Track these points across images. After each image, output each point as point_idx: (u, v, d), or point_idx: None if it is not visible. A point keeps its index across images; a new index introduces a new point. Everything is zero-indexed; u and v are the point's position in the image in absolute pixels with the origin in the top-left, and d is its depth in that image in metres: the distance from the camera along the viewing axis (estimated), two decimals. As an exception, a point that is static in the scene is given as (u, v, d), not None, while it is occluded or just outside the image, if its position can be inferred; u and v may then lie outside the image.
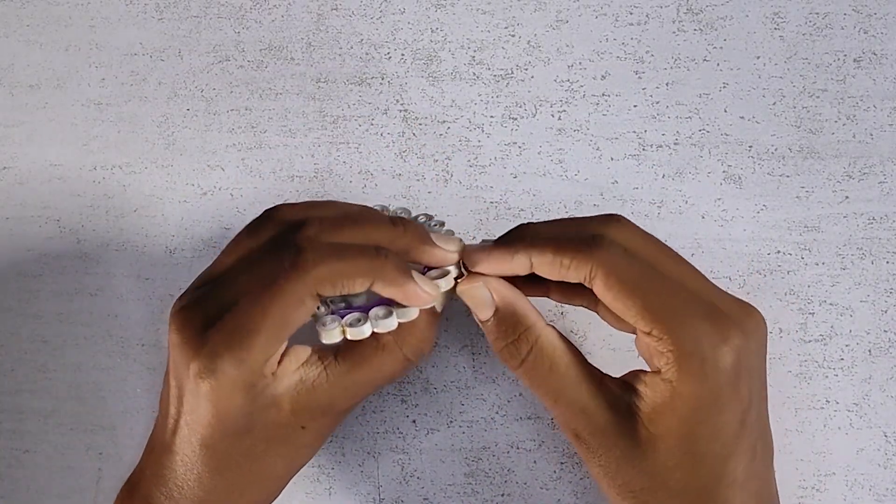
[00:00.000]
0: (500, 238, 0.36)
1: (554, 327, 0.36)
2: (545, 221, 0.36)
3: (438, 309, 0.37)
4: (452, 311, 0.42)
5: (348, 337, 0.35)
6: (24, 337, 0.44)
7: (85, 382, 0.43)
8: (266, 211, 0.36)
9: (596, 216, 0.36)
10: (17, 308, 0.44)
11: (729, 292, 0.35)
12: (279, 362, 0.34)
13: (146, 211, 0.44)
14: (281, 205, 0.36)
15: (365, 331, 0.34)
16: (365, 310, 0.35)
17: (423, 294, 0.35)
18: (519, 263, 0.35)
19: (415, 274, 0.35)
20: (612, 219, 0.35)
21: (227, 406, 0.33)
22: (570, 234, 0.35)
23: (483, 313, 0.36)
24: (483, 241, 0.37)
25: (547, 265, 0.34)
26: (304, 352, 0.35)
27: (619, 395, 0.34)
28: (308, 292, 0.33)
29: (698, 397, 0.32)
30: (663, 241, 0.36)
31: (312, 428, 0.35)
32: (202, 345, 0.32)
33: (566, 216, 0.43)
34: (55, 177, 0.45)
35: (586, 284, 0.34)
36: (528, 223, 0.37)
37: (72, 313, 0.44)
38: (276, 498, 0.37)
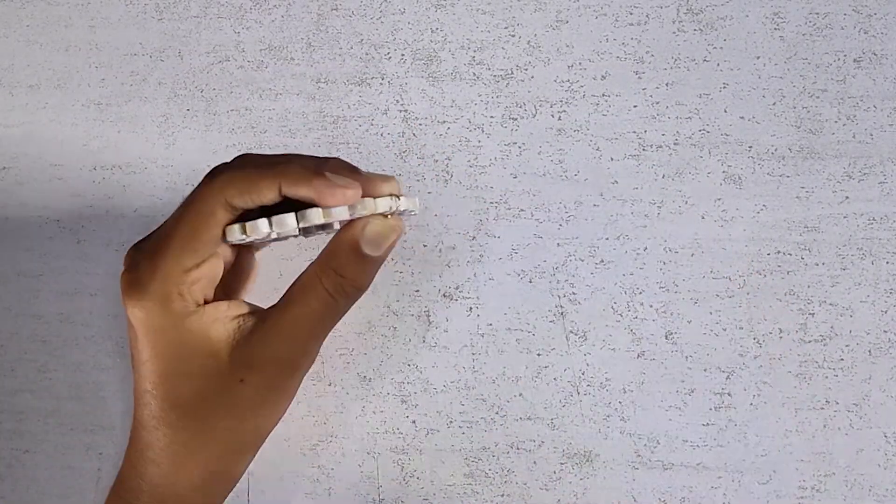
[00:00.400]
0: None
1: None
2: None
3: (366, 250, 0.34)
4: (452, 313, 0.42)
5: (248, 233, 0.34)
6: (24, 337, 0.44)
7: (85, 382, 0.43)
8: None
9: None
10: (17, 308, 0.44)
11: None
12: (217, 303, 0.35)
13: (146, 211, 0.44)
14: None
15: (261, 226, 0.33)
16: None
17: (337, 187, 0.33)
18: None
19: (328, 173, 0.33)
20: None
21: (155, 327, 0.34)
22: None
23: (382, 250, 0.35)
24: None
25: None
26: (243, 306, 0.36)
27: None
28: (217, 201, 0.34)
29: None
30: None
31: (252, 382, 0.34)
32: (131, 268, 0.34)
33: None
34: (55, 177, 0.45)
35: None
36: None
37: (72, 313, 0.44)
38: (234, 478, 0.36)
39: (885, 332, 0.41)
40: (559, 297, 0.42)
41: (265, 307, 0.36)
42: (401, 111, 0.44)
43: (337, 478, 0.42)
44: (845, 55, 0.43)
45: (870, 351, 0.41)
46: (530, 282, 0.43)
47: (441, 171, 0.44)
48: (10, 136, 0.46)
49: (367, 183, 0.34)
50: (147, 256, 0.34)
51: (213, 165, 0.44)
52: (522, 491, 0.41)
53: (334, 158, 0.35)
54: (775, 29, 0.44)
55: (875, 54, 0.43)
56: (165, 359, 0.34)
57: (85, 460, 0.43)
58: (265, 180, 0.33)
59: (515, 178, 0.44)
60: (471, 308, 0.43)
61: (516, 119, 0.44)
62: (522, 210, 0.43)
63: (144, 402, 0.35)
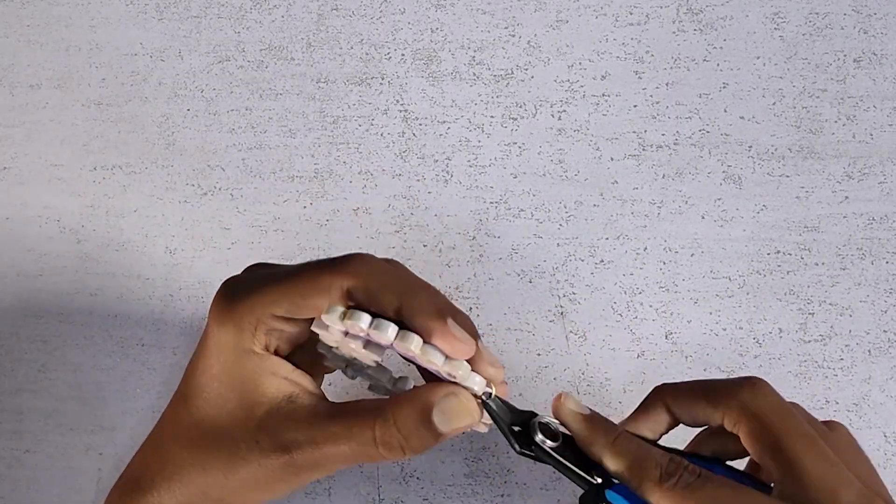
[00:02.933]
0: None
1: None
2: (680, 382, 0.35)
3: (435, 418, 0.32)
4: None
5: (346, 318, 0.32)
6: (24, 337, 0.44)
7: (85, 382, 0.43)
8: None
9: (733, 379, 0.35)
10: (17, 308, 0.44)
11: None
12: (284, 360, 0.34)
13: (146, 211, 0.44)
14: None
15: (362, 319, 0.31)
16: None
17: (454, 335, 0.31)
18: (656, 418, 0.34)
19: (451, 320, 0.31)
20: (750, 379, 0.34)
21: (221, 347, 0.33)
22: (712, 384, 0.34)
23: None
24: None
25: (693, 409, 0.34)
26: (310, 383, 0.34)
27: None
28: (341, 283, 0.32)
29: None
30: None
31: (264, 450, 0.33)
32: (228, 289, 0.34)
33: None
34: (55, 177, 0.45)
35: (729, 429, 0.33)
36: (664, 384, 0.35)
37: (72, 313, 0.44)
38: None
39: (884, 331, 0.42)
40: (559, 297, 0.43)
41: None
42: (401, 111, 0.44)
43: (337, 478, 0.42)
44: (845, 55, 0.43)
45: (869, 351, 0.41)
46: (530, 282, 0.43)
47: (441, 171, 0.44)
48: (10, 136, 0.46)
49: (478, 353, 0.32)
50: (248, 286, 0.33)
51: (212, 165, 0.45)
52: (522, 491, 0.41)
53: (464, 314, 0.33)
54: (775, 29, 0.44)
55: (875, 54, 0.43)
56: (214, 379, 0.34)
57: (85, 460, 0.43)
58: (390, 292, 0.32)
59: (515, 178, 0.44)
60: (471, 308, 0.43)
61: (516, 119, 0.44)
62: (522, 210, 0.43)
63: (174, 404, 0.35)
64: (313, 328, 0.33)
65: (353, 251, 0.33)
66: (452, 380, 0.32)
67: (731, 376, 0.41)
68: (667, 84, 0.44)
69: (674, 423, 0.35)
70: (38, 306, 0.44)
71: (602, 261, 0.43)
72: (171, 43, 0.46)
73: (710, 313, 0.42)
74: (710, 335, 0.42)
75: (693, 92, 0.44)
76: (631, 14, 0.44)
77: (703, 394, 0.34)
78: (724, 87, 0.43)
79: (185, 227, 0.44)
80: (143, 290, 0.44)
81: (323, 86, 0.45)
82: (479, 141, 0.44)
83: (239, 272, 0.34)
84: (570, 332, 0.42)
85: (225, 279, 0.34)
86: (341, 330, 0.32)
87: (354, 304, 0.32)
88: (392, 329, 0.31)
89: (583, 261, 0.43)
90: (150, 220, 0.44)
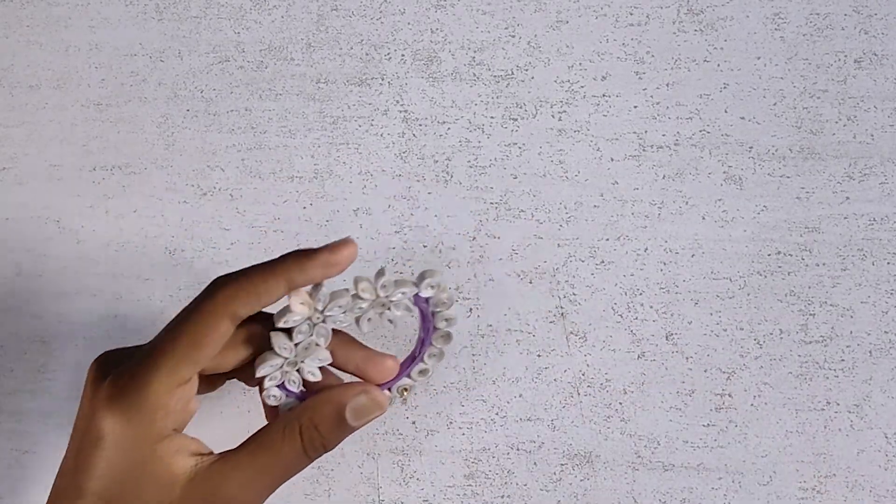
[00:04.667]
0: None
1: None
2: None
3: (348, 417, 0.35)
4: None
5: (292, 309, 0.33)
6: (24, 337, 0.44)
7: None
8: None
9: None
10: (17, 308, 0.44)
11: None
12: (182, 434, 0.34)
13: (146, 211, 0.44)
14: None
15: (297, 305, 0.33)
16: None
17: (342, 249, 0.33)
18: None
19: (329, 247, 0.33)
20: None
21: (128, 443, 0.32)
22: None
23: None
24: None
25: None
26: (201, 445, 0.34)
27: None
28: (224, 313, 0.32)
29: None
30: None
31: None
32: (117, 375, 0.33)
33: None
34: (55, 177, 0.45)
35: None
36: None
37: (72, 313, 0.44)
38: None
39: (885, 332, 0.41)
40: (559, 297, 0.42)
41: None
42: (401, 111, 0.44)
43: (336, 478, 0.42)
44: (846, 55, 0.43)
45: (870, 352, 0.41)
46: (530, 282, 0.43)
47: (441, 171, 0.44)
48: (10, 136, 0.46)
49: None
50: (139, 365, 0.32)
51: (212, 166, 0.45)
52: (522, 492, 0.41)
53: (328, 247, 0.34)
54: (776, 29, 0.44)
55: (875, 55, 0.43)
56: (121, 479, 0.32)
57: (84, 460, 0.43)
58: (272, 278, 0.32)
59: (515, 178, 0.44)
60: (471, 308, 0.43)
61: (516, 119, 0.44)
62: (522, 210, 0.43)
63: None
64: (276, 329, 0.34)
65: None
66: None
67: (732, 376, 0.41)
68: (667, 84, 0.44)
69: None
70: (38, 306, 0.44)
71: (602, 261, 0.43)
72: (170, 43, 0.46)
73: (711, 314, 0.42)
74: (710, 336, 0.42)
75: (693, 92, 0.44)
76: (631, 14, 0.44)
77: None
78: (725, 88, 0.43)
79: (185, 227, 0.44)
80: (143, 290, 0.44)
81: (323, 86, 0.45)
82: (479, 141, 0.44)
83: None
84: (571, 332, 0.42)
85: (96, 358, 0.34)
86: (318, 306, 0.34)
87: (245, 317, 0.33)
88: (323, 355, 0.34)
89: (583, 261, 0.43)
90: (150, 220, 0.44)
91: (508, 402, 0.42)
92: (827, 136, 0.43)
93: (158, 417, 0.32)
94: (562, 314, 0.42)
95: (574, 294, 0.42)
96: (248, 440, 0.34)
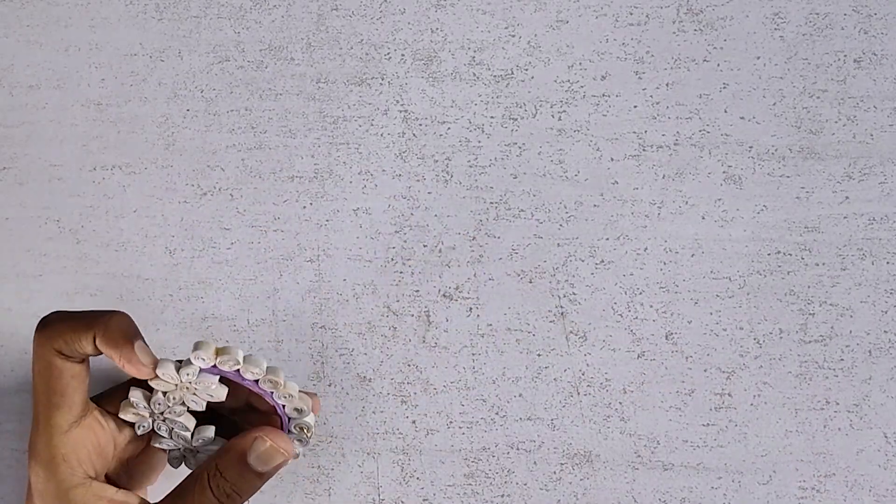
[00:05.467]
0: None
1: None
2: None
3: (252, 462, 0.36)
4: (451, 313, 0.42)
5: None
6: (24, 337, 0.44)
7: (85, 382, 0.43)
8: None
9: None
10: (17, 308, 0.44)
11: None
12: (105, 485, 0.35)
13: (146, 211, 0.44)
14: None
15: (239, 354, 0.35)
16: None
17: (140, 361, 0.34)
18: None
19: (139, 345, 0.35)
20: None
21: (43, 492, 0.34)
22: None
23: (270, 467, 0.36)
24: None
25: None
26: (133, 498, 0.36)
27: None
28: (49, 352, 0.34)
29: None
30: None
31: None
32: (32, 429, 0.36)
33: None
34: (55, 177, 0.45)
35: None
36: None
37: (72, 313, 0.44)
38: None
39: (885, 332, 0.41)
40: (559, 297, 0.42)
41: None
42: (401, 111, 0.44)
43: (337, 478, 0.42)
44: (845, 55, 0.43)
45: (870, 351, 0.41)
46: (530, 282, 0.43)
47: (441, 171, 0.44)
48: (10, 136, 0.46)
49: (160, 366, 0.35)
50: (32, 427, 0.35)
51: (212, 166, 0.45)
52: (522, 491, 0.41)
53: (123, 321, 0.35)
54: (775, 29, 0.44)
55: (875, 54, 0.43)
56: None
57: (85, 460, 0.43)
58: (84, 332, 0.34)
59: (515, 178, 0.44)
60: (471, 308, 0.43)
61: (516, 119, 0.44)
62: (522, 210, 0.43)
63: None
64: (159, 369, 0.35)
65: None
66: (294, 417, 0.37)
67: (731, 376, 0.41)
68: (667, 84, 0.44)
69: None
70: (38, 306, 0.44)
71: (602, 261, 0.43)
72: (170, 43, 0.46)
73: (711, 314, 0.42)
74: (710, 335, 0.42)
75: (693, 92, 0.44)
76: (631, 14, 0.44)
77: None
78: (725, 88, 0.43)
79: (185, 227, 0.44)
80: (143, 290, 0.44)
81: (323, 86, 0.45)
82: (479, 141, 0.44)
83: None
84: (571, 332, 0.42)
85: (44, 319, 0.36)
86: (186, 379, 0.35)
87: (69, 356, 0.35)
88: (263, 360, 0.35)
89: (583, 261, 0.43)
90: (150, 220, 0.44)
91: (508, 402, 0.42)
92: (827, 136, 0.43)
93: (60, 465, 0.34)
94: (562, 314, 0.42)
95: (574, 294, 0.42)
96: (170, 493, 0.35)
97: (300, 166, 0.44)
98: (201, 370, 0.35)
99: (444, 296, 0.43)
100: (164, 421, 0.37)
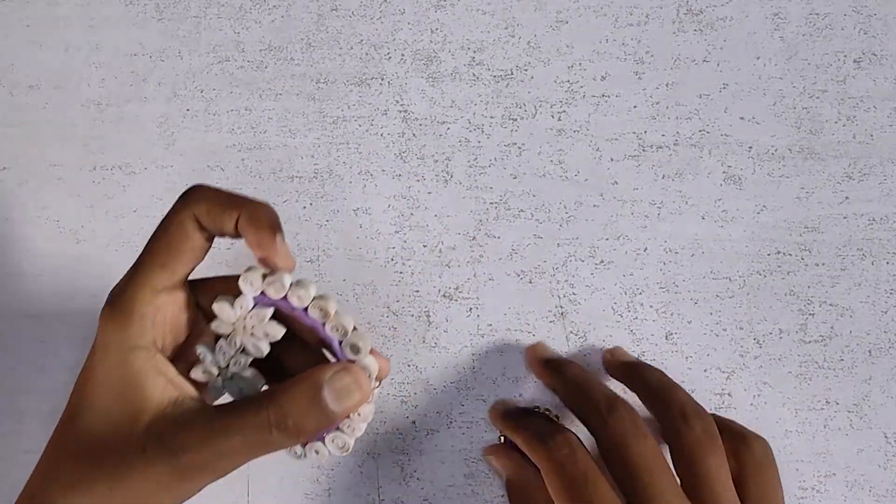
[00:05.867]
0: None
1: None
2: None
3: (326, 396, 0.32)
4: (452, 313, 0.42)
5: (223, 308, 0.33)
6: (24, 337, 0.44)
7: (85, 382, 0.43)
8: None
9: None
10: (17, 308, 0.44)
11: None
12: (171, 364, 0.34)
13: (146, 211, 0.44)
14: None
15: (286, 280, 0.32)
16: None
17: (284, 251, 0.32)
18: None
19: (280, 237, 0.33)
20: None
21: (108, 342, 0.33)
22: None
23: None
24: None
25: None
26: (190, 387, 0.34)
27: None
28: (186, 216, 0.33)
29: None
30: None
31: (150, 459, 0.32)
32: (114, 288, 0.34)
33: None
34: (55, 177, 0.45)
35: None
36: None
37: (72, 313, 0.44)
38: None
39: (885, 332, 0.41)
40: (559, 297, 0.42)
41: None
42: (401, 111, 0.44)
43: (337, 478, 0.42)
44: (845, 55, 0.43)
45: (870, 351, 0.41)
46: (530, 282, 0.43)
47: (441, 171, 0.44)
48: (10, 136, 0.46)
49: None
50: (125, 275, 0.33)
51: (212, 165, 0.45)
52: (522, 491, 0.41)
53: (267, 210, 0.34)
54: (775, 29, 0.44)
55: (875, 55, 0.43)
56: (97, 387, 0.33)
57: (85, 460, 0.43)
58: (228, 209, 0.33)
59: (515, 178, 0.44)
60: (471, 308, 0.43)
61: (516, 119, 0.44)
62: (522, 210, 0.43)
63: (59, 423, 0.34)
64: (215, 305, 0.33)
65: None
66: (350, 358, 0.32)
67: (731, 376, 0.41)
68: (667, 84, 0.44)
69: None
70: (38, 306, 0.44)
71: (602, 261, 0.43)
72: (170, 43, 0.46)
73: (711, 314, 0.42)
74: (710, 335, 0.42)
75: (693, 92, 0.44)
76: (631, 14, 0.44)
77: (576, 401, 0.38)
78: (724, 88, 0.43)
79: (184, 227, 0.44)
80: (143, 291, 0.44)
81: (323, 86, 0.45)
82: (479, 141, 0.44)
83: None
84: (571, 332, 0.42)
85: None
86: (241, 313, 0.33)
87: (205, 228, 0.33)
88: (313, 285, 0.32)
89: (583, 261, 0.43)
90: (150, 220, 0.44)
91: (508, 402, 0.42)
92: (826, 136, 0.43)
93: (135, 320, 0.33)
94: (562, 314, 0.42)
95: (574, 294, 0.42)
96: (226, 403, 0.33)
97: (300, 166, 0.44)
98: (255, 303, 0.33)
99: (444, 296, 0.43)
100: (231, 380, 0.35)
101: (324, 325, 0.32)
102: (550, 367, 0.40)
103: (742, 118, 0.43)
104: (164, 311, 0.34)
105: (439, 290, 0.43)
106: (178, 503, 0.33)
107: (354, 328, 0.32)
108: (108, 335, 0.33)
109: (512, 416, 0.40)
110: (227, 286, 0.35)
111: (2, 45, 0.46)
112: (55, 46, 0.46)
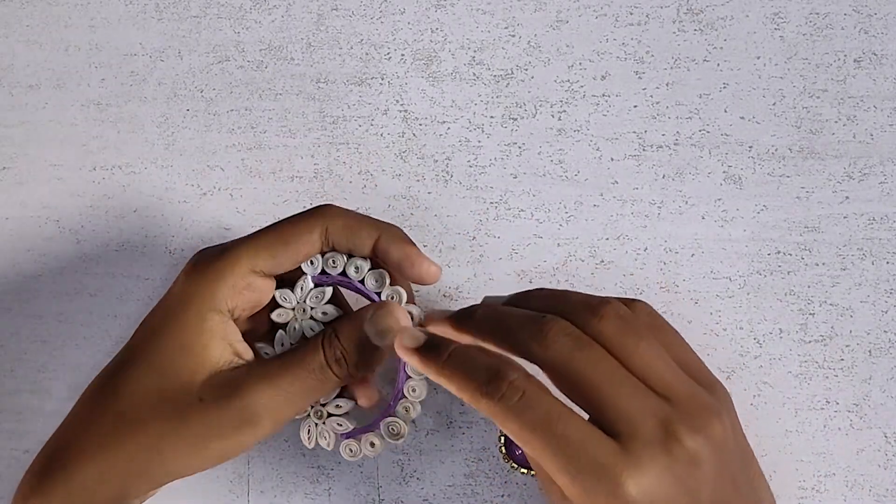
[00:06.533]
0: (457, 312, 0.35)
1: None
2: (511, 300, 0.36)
3: (369, 333, 0.35)
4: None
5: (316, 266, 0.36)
6: (24, 337, 0.44)
7: (85, 382, 0.43)
8: None
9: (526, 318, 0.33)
10: (17, 308, 0.44)
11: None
12: (237, 330, 0.35)
13: (146, 211, 0.44)
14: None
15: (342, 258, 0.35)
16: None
17: (427, 259, 0.35)
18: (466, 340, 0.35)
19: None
20: (539, 325, 0.32)
21: (189, 296, 0.34)
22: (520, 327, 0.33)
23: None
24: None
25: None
26: (252, 355, 0.35)
27: None
28: (319, 228, 0.34)
29: None
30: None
31: (204, 407, 0.33)
32: (212, 247, 0.35)
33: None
34: (55, 177, 0.45)
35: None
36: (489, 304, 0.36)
37: (72, 313, 0.44)
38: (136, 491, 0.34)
39: (885, 332, 0.41)
40: (559, 297, 0.42)
41: None
42: (401, 111, 0.44)
43: (336, 478, 0.42)
44: (845, 55, 0.43)
45: (870, 351, 0.41)
46: (530, 282, 0.43)
47: (441, 171, 0.44)
48: (10, 136, 0.46)
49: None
50: (228, 245, 0.35)
51: (212, 166, 0.45)
52: (522, 492, 0.41)
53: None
54: (775, 29, 0.44)
55: (875, 54, 0.43)
56: (163, 338, 0.34)
57: (85, 460, 0.43)
58: (367, 227, 0.35)
59: (515, 178, 0.44)
60: (471, 308, 0.43)
61: (516, 119, 0.44)
62: (522, 210, 0.43)
63: (111, 371, 0.35)
64: (277, 292, 0.36)
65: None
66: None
67: (731, 376, 0.41)
68: (667, 84, 0.44)
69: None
70: (38, 306, 0.44)
71: (602, 261, 0.43)
72: (170, 43, 0.46)
73: (711, 314, 0.42)
74: (710, 335, 0.42)
75: (693, 92, 0.44)
76: (631, 14, 0.44)
77: (501, 338, 0.34)
78: (725, 88, 0.43)
79: (185, 227, 0.44)
80: (143, 290, 0.44)
81: (323, 86, 0.45)
82: (479, 141, 0.44)
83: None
84: (570, 332, 0.42)
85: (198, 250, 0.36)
86: (301, 294, 0.36)
87: (332, 244, 0.35)
88: (366, 260, 0.36)
89: (583, 261, 0.43)
90: (150, 220, 0.44)
91: (508, 402, 0.42)
92: (827, 136, 0.43)
93: (221, 287, 0.34)
94: (562, 314, 0.42)
95: (574, 294, 0.42)
96: (284, 352, 0.35)
97: (300, 166, 0.44)
98: (314, 283, 0.36)
99: (444, 296, 0.43)
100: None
101: (379, 294, 0.36)
102: (459, 321, 0.35)
103: (742, 118, 0.43)
104: (252, 290, 0.35)
105: (439, 290, 0.43)
106: (228, 455, 0.34)
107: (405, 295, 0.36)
108: (193, 289, 0.34)
109: (430, 351, 0.33)
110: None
111: (2, 45, 0.46)
112: (55, 46, 0.46)
